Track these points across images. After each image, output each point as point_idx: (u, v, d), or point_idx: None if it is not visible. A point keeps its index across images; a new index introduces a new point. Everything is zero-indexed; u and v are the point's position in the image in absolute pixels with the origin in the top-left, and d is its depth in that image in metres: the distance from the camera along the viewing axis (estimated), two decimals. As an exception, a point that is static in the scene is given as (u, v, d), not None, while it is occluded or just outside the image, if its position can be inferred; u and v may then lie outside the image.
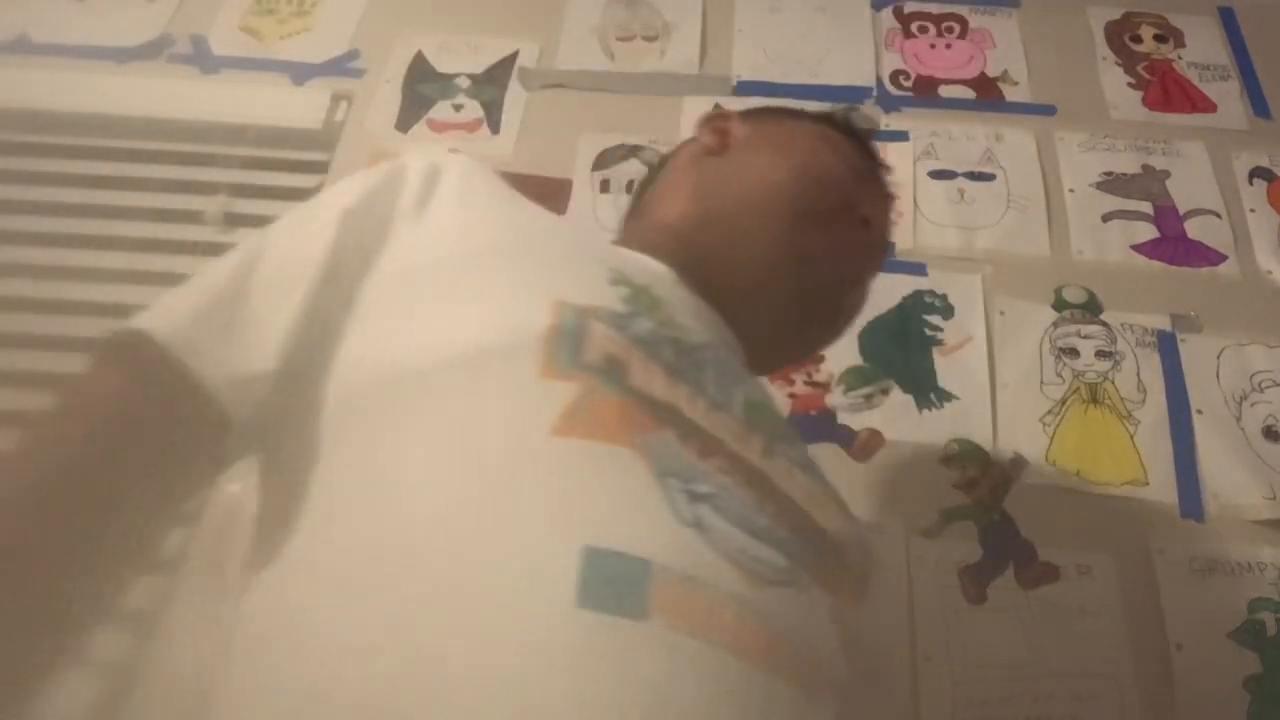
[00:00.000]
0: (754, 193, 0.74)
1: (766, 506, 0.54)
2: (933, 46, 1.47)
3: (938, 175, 1.33)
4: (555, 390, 0.52)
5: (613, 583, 0.45)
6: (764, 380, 0.81)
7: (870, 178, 0.81)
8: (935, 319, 1.21)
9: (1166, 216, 1.29)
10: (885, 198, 0.83)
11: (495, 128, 1.37)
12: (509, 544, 0.47)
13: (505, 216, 0.66)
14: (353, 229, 0.61)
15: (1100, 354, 1.19)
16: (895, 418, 1.14)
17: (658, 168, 0.88)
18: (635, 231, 0.80)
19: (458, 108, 1.39)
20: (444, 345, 0.55)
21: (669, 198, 0.79)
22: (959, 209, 1.30)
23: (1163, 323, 1.21)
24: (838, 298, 0.77)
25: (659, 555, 0.47)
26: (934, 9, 1.51)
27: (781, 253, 0.72)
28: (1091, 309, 1.22)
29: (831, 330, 0.81)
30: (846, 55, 1.45)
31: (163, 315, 0.58)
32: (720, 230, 0.73)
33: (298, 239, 0.62)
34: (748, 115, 0.84)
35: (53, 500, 0.50)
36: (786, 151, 0.77)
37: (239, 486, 1.06)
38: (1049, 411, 1.14)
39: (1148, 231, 1.28)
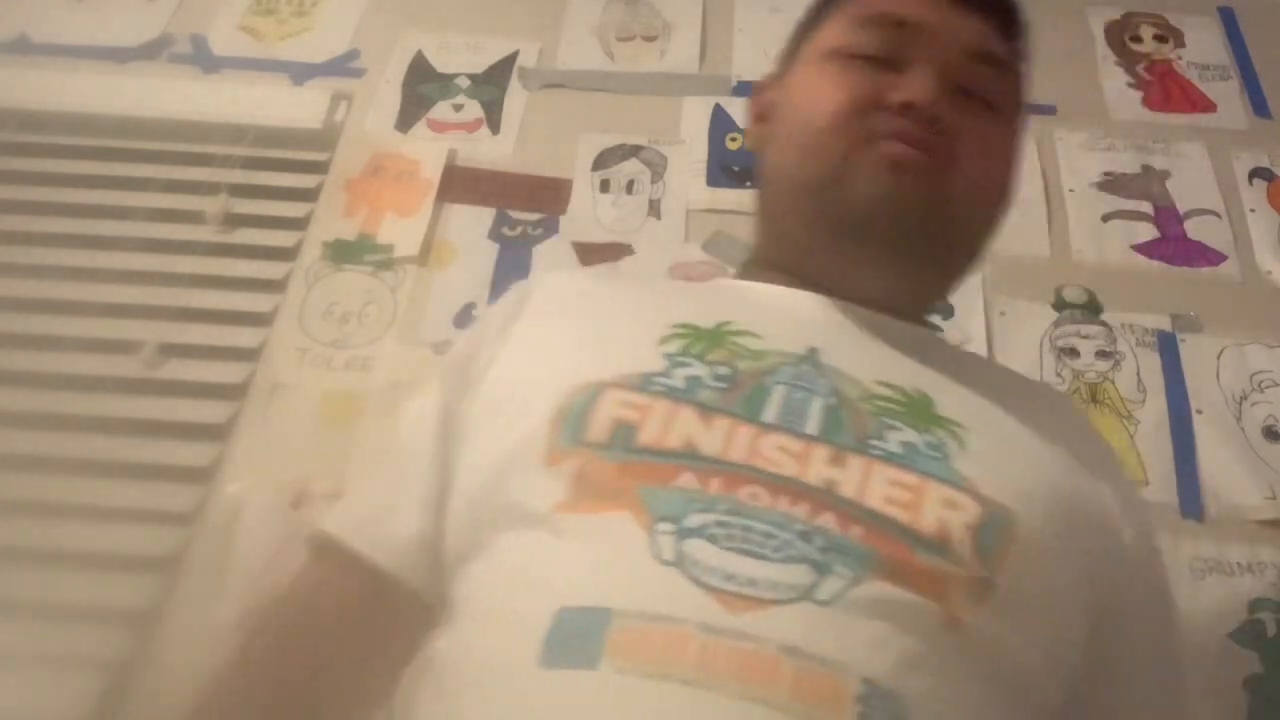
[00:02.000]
0: (779, 195, 0.71)
1: (821, 518, 0.53)
2: (933, 46, 1.47)
3: (938, 175, 1.33)
4: (557, 473, 0.56)
5: (572, 637, 0.48)
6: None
7: (901, 35, 0.67)
8: (935, 319, 1.21)
9: (1166, 216, 1.29)
10: (934, 36, 0.67)
11: (495, 128, 1.37)
12: (505, 621, 0.52)
13: (571, 314, 0.69)
14: (457, 374, 0.69)
15: (1100, 354, 1.19)
16: (895, 418, 1.14)
17: None
18: None
19: (458, 108, 1.39)
20: (485, 461, 0.61)
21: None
22: (959, 209, 1.30)
23: (1163, 323, 1.21)
24: (929, 214, 0.65)
25: (622, 601, 0.49)
26: (934, 9, 1.51)
27: (833, 232, 0.66)
28: (1091, 309, 1.22)
29: (971, 235, 0.70)
30: (846, 55, 1.45)
31: (338, 512, 0.69)
32: (786, 242, 0.72)
33: (418, 400, 0.70)
34: (780, 67, 0.77)
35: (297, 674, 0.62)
36: (790, 114, 0.70)
37: (238, 487, 1.06)
38: (1049, 411, 1.14)
39: (1148, 231, 1.28)
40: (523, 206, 1.30)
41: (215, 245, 1.25)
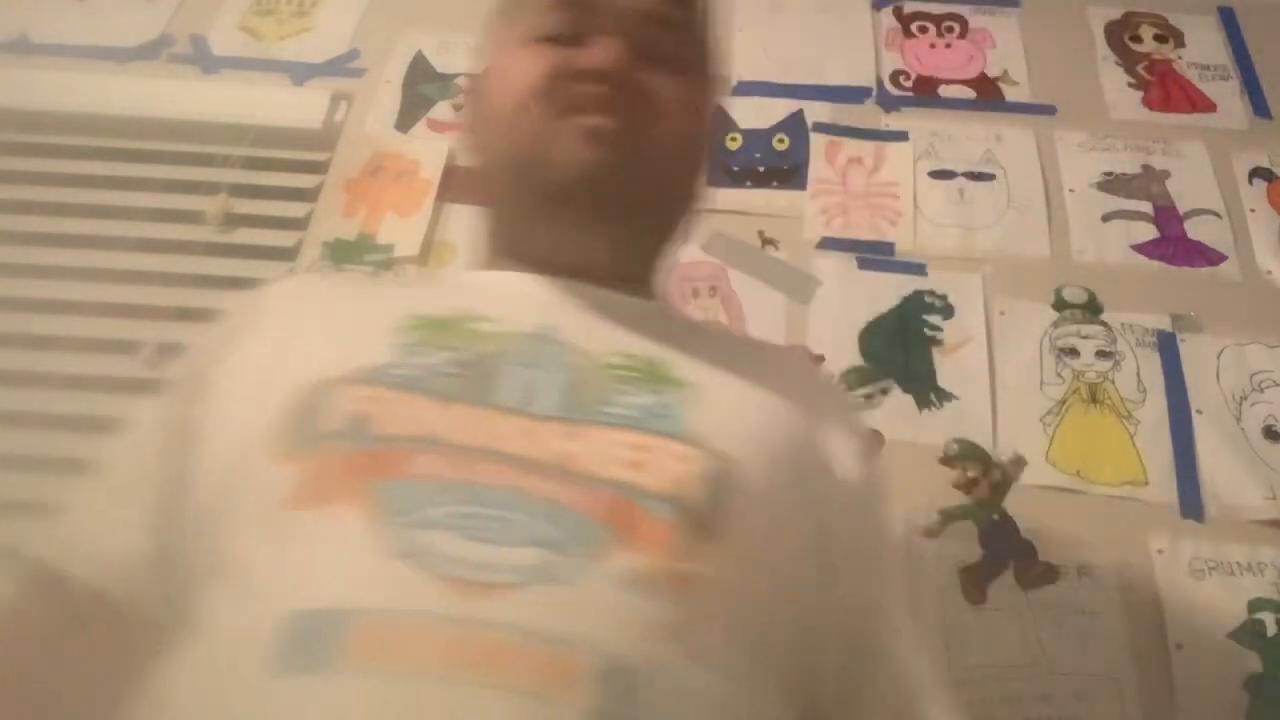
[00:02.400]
0: (493, 181, 0.72)
1: (557, 493, 0.53)
2: (933, 46, 1.47)
3: (938, 175, 1.33)
4: (286, 472, 0.54)
5: (306, 642, 0.46)
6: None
7: (583, 13, 0.70)
8: (935, 319, 1.21)
9: (1166, 216, 1.29)
10: (613, 8, 0.70)
11: (495, 128, 1.37)
12: (233, 632, 0.49)
13: (303, 315, 0.67)
14: (187, 382, 0.66)
15: (1100, 354, 1.19)
16: (895, 418, 1.14)
17: None
18: None
19: (458, 108, 1.39)
20: (216, 466, 0.59)
21: None
22: (959, 209, 1.30)
23: (1163, 323, 1.21)
24: (630, 180, 0.67)
25: (357, 600, 0.48)
26: (934, 9, 1.51)
27: (543, 208, 0.68)
28: (1091, 309, 1.22)
29: (673, 194, 0.73)
30: (846, 55, 1.45)
31: (52, 532, 0.63)
32: (508, 227, 0.73)
33: (142, 412, 0.68)
34: (479, 69, 0.79)
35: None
36: (490, 101, 0.71)
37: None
38: (1049, 411, 1.14)
39: (1148, 231, 1.28)
40: (523, 206, 1.30)
41: (215, 245, 1.25)
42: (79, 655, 0.59)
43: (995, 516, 1.07)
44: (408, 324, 0.62)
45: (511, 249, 0.72)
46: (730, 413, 0.62)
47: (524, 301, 0.67)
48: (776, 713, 0.57)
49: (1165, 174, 1.33)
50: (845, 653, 0.63)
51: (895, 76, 1.43)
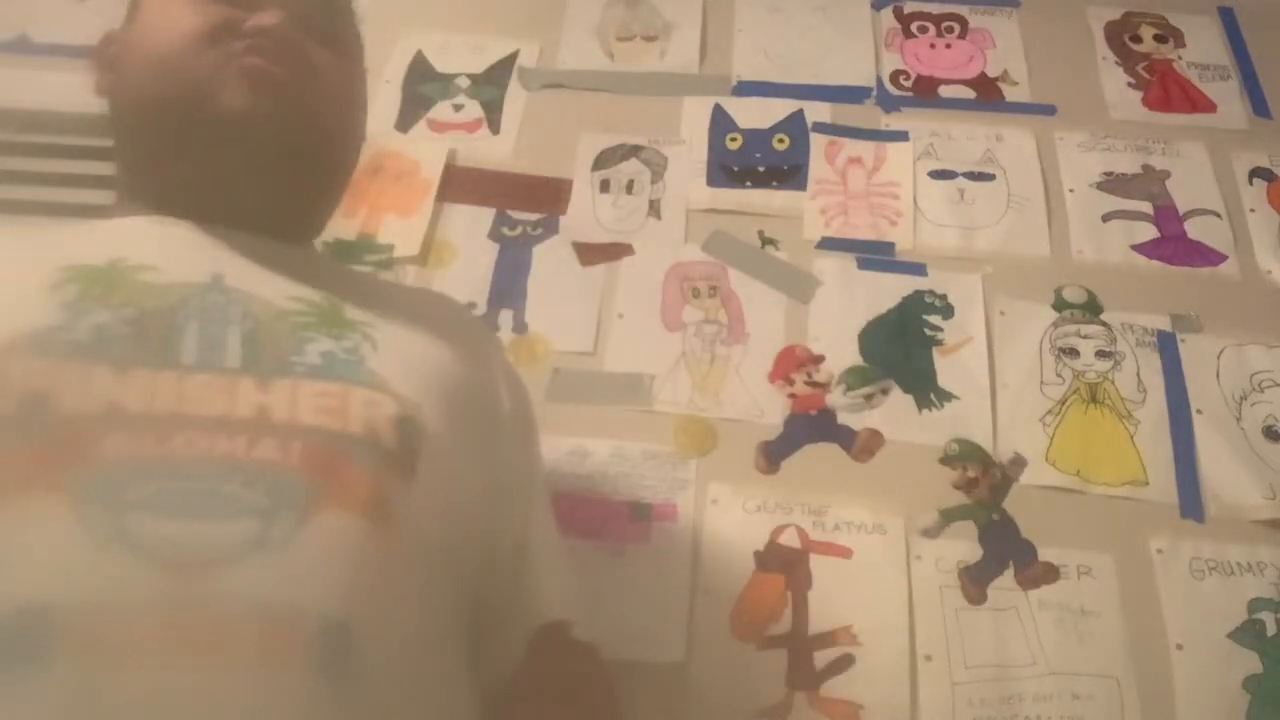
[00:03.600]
0: (140, 125, 0.71)
1: (260, 449, 0.53)
2: (933, 46, 1.47)
3: (938, 175, 1.33)
4: None
5: (13, 639, 0.45)
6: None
7: None
8: (935, 319, 1.21)
9: (1166, 216, 1.29)
10: None
11: (495, 128, 1.37)
12: None
13: None
14: None
15: (1100, 354, 1.19)
16: (895, 418, 1.14)
17: None
18: None
19: (458, 108, 1.39)
20: None
21: None
22: (959, 209, 1.30)
23: (1163, 323, 1.21)
24: (288, 129, 0.68)
25: (67, 593, 0.47)
26: (934, 9, 1.51)
27: (197, 149, 0.67)
28: (1091, 309, 1.22)
29: (329, 155, 0.75)
30: (846, 55, 1.45)
31: None
32: (155, 174, 0.71)
33: None
34: (125, 20, 0.79)
35: None
36: (144, 46, 0.71)
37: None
38: (1049, 411, 1.14)
39: (1148, 231, 1.28)
40: (523, 206, 1.30)
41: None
42: None
43: (995, 516, 1.07)
44: (64, 276, 0.59)
45: (155, 195, 0.70)
46: (406, 355, 0.65)
47: (185, 248, 0.65)
48: (459, 633, 0.62)
49: (1165, 174, 1.33)
50: (497, 570, 0.68)
51: (895, 76, 1.43)
